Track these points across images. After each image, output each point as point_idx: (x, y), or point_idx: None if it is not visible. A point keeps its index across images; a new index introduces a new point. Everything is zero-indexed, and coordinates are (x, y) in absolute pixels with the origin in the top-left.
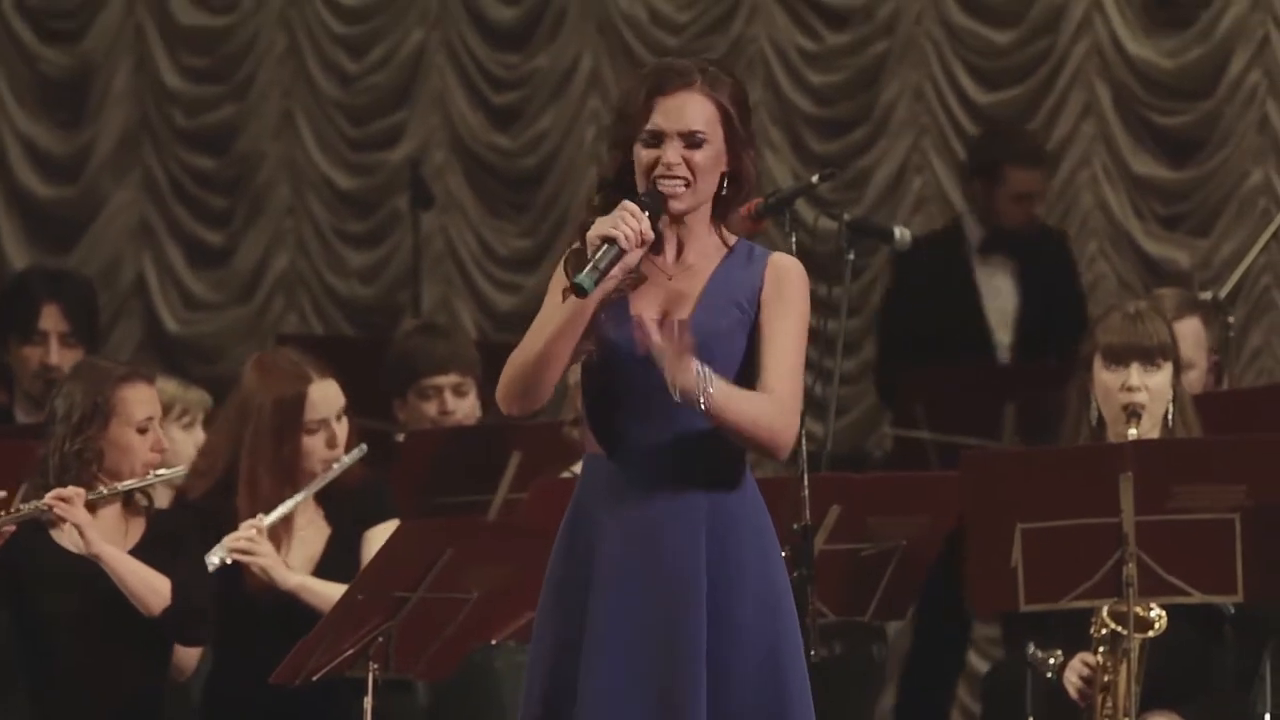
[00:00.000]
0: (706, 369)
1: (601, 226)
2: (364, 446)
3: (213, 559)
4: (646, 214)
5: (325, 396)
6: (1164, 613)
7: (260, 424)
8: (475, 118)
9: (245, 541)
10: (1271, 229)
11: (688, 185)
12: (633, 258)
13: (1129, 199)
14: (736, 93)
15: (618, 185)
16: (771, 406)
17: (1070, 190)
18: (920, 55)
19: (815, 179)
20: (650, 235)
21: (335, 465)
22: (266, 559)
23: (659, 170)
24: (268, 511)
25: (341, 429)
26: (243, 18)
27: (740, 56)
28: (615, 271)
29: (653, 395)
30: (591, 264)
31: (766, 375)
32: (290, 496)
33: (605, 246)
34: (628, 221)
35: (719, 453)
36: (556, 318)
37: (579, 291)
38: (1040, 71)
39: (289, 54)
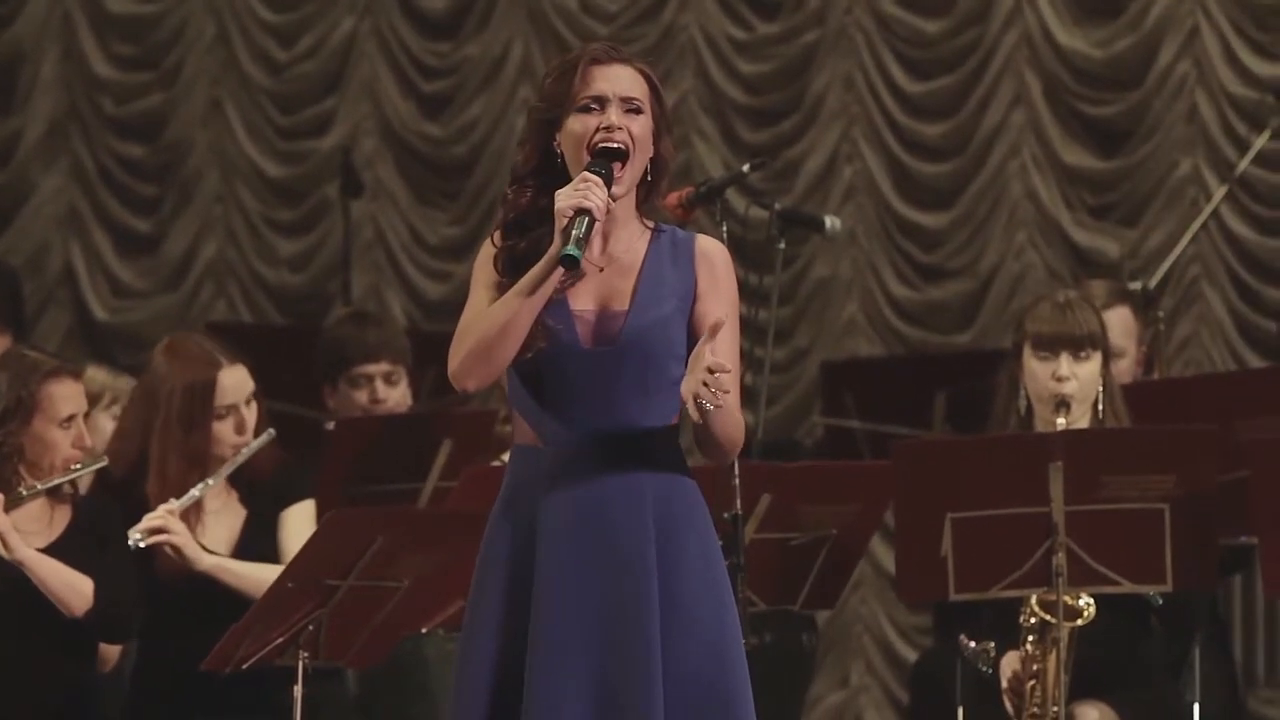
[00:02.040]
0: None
1: (571, 199)
2: (272, 431)
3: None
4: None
5: (235, 382)
6: (1093, 601)
7: (170, 410)
8: (405, 106)
9: (158, 521)
10: (1201, 219)
11: (627, 151)
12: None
13: (1058, 189)
14: (657, 79)
15: (532, 177)
16: (738, 417)
17: (999, 180)
18: (850, 45)
19: (746, 168)
20: (611, 204)
21: (243, 450)
22: (180, 537)
23: (599, 136)
24: (178, 497)
25: (250, 414)
26: (171, 5)
27: (671, 45)
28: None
29: (595, 386)
30: (574, 237)
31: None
32: (200, 482)
33: (583, 218)
34: (595, 192)
35: (659, 441)
36: (525, 288)
37: (571, 264)
38: (970, 61)
39: (218, 42)
